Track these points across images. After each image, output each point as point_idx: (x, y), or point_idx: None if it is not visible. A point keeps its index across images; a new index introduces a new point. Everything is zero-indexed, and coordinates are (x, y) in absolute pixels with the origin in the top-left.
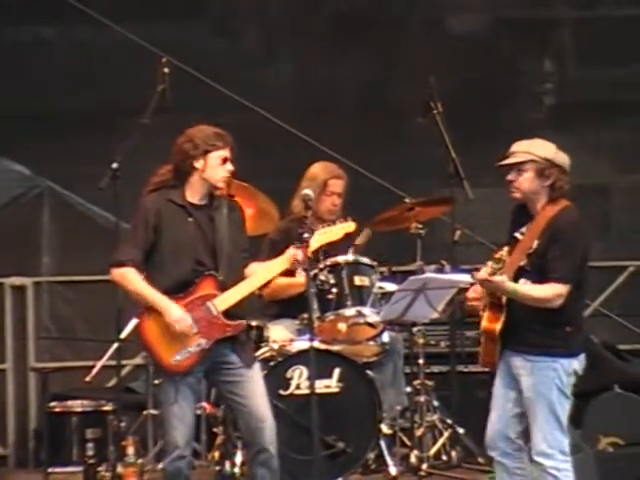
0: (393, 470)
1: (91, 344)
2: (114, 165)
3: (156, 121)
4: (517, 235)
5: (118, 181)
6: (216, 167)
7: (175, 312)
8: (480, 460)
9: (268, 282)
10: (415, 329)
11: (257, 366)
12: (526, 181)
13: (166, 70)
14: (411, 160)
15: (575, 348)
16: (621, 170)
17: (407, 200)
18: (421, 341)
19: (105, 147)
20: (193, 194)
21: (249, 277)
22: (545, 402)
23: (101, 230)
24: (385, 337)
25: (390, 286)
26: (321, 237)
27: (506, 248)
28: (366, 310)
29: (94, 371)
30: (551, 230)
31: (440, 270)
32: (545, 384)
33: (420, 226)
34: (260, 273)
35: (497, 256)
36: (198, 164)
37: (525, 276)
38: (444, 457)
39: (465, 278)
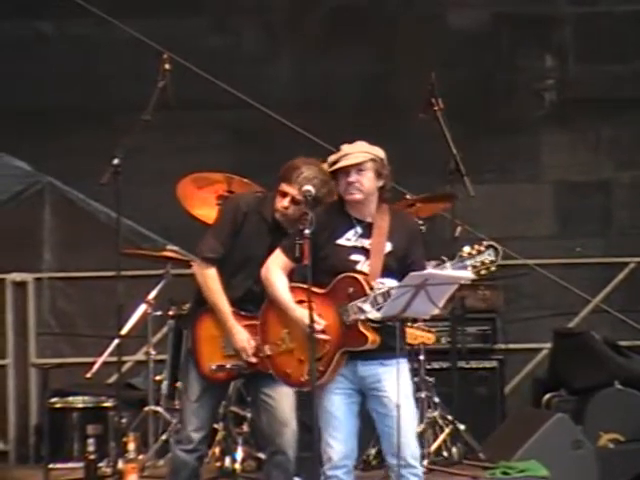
0: None
1: (92, 340)
2: (115, 161)
3: (157, 117)
4: (341, 242)
5: (119, 177)
6: (277, 197)
7: (241, 338)
8: (481, 456)
9: None
10: (416, 325)
11: None
12: (368, 181)
13: (167, 66)
14: (412, 156)
15: None
16: (622, 166)
17: (408, 196)
18: None
19: (106, 143)
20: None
21: None
22: (411, 404)
23: (102, 226)
24: None
25: (390, 282)
26: None
27: None
28: (366, 306)
29: (95, 367)
30: (405, 232)
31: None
32: (408, 386)
33: (421, 222)
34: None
35: None
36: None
37: (390, 276)
38: (445, 453)
39: (466, 274)
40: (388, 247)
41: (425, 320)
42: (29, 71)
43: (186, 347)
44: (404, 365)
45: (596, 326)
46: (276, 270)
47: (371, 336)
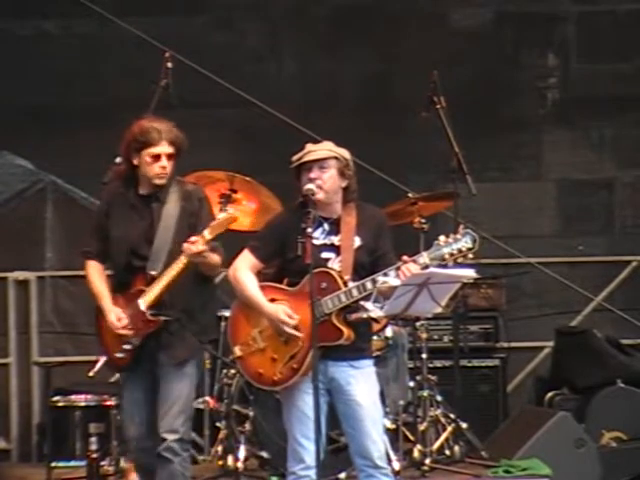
0: (396, 465)
1: (94, 338)
2: (117, 159)
3: (159, 115)
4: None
5: None
6: (149, 165)
7: (109, 317)
8: (483, 454)
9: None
10: (418, 324)
11: (187, 366)
12: (330, 178)
13: (169, 64)
14: (414, 155)
15: None
16: (625, 165)
17: (410, 195)
18: (424, 336)
19: (108, 141)
20: (141, 187)
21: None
22: (377, 408)
23: None
24: (388, 332)
25: (393, 280)
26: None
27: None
28: (369, 305)
29: (97, 366)
30: (372, 225)
31: (443, 265)
32: (375, 389)
33: (423, 221)
34: (175, 263)
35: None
36: (135, 161)
37: (362, 270)
38: (447, 452)
39: (468, 273)
40: (357, 242)
41: (428, 319)
42: (32, 70)
43: None
44: (371, 368)
45: (598, 324)
46: (245, 270)
47: (346, 331)
